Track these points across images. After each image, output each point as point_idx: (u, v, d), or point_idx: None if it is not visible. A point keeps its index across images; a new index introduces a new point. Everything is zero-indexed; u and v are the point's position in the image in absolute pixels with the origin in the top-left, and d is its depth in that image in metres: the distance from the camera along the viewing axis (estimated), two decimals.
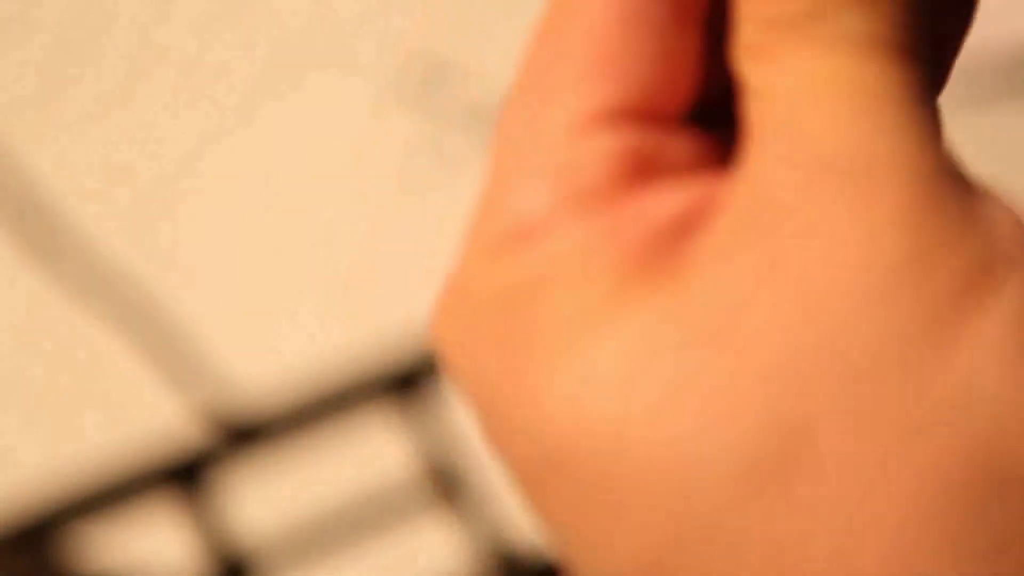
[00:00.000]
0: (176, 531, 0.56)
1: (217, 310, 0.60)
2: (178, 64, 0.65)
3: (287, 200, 0.62)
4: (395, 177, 0.62)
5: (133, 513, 0.56)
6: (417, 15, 0.66)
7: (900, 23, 0.19)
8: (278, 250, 0.61)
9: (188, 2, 0.66)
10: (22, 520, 0.56)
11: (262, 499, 0.57)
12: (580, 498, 0.18)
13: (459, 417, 0.58)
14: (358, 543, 0.56)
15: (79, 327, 0.60)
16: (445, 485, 0.57)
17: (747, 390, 0.17)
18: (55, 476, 0.57)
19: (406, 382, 0.58)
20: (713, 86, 0.20)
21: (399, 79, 0.64)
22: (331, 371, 0.58)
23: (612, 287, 0.18)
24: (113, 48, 0.65)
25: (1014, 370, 0.17)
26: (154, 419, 0.58)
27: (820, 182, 0.18)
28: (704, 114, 0.21)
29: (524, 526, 0.56)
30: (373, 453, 0.57)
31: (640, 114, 0.19)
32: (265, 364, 0.59)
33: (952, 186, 0.18)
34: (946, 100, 0.62)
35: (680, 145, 0.20)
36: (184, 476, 0.57)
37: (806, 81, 0.18)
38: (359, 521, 0.56)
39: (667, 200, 0.19)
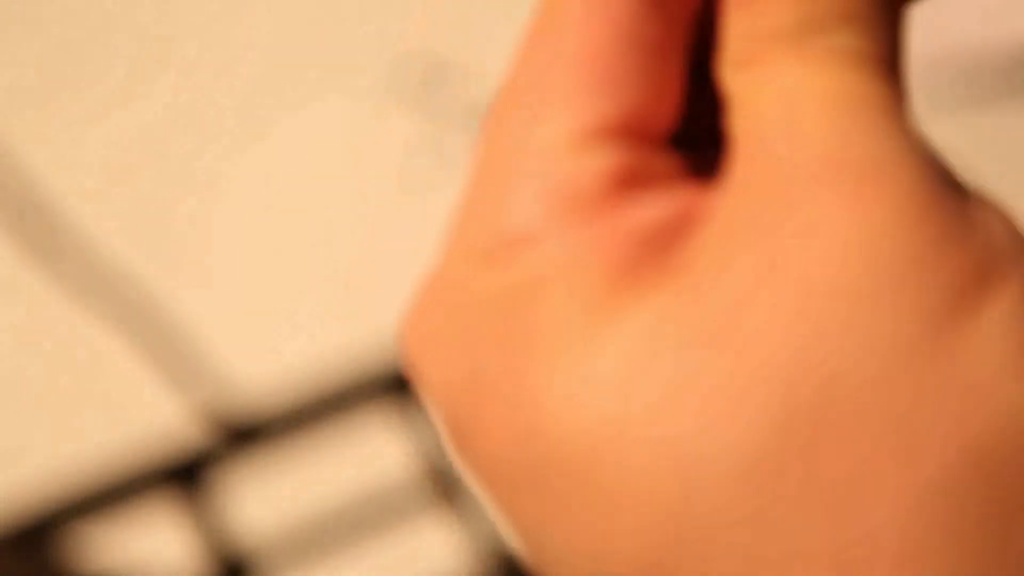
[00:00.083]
0: (176, 531, 0.56)
1: (217, 310, 0.60)
2: (178, 64, 0.65)
3: (287, 200, 0.62)
4: (395, 177, 0.62)
5: (133, 513, 0.56)
6: (416, 15, 0.66)
7: (884, 40, 0.20)
8: (278, 250, 0.61)
9: (189, 2, 0.66)
10: (22, 520, 0.56)
11: (262, 499, 0.57)
12: (578, 499, 0.18)
13: None
14: (358, 543, 0.56)
15: (79, 327, 0.60)
16: (445, 485, 0.57)
17: (747, 390, 0.17)
18: (55, 476, 0.57)
19: (406, 382, 0.58)
20: (691, 110, 0.21)
21: (399, 79, 0.64)
22: (331, 371, 0.58)
23: (611, 288, 0.19)
24: (113, 48, 0.65)
25: (1014, 370, 0.17)
26: (154, 419, 0.58)
27: (821, 182, 0.18)
28: (680, 138, 0.21)
29: None
30: (373, 453, 0.57)
31: (632, 132, 0.20)
32: (265, 364, 0.59)
33: (948, 189, 0.18)
34: (946, 100, 0.62)
35: (667, 162, 0.20)
36: (184, 476, 0.57)
37: (804, 86, 0.19)
38: (359, 521, 0.56)
39: (656, 207, 0.19)
